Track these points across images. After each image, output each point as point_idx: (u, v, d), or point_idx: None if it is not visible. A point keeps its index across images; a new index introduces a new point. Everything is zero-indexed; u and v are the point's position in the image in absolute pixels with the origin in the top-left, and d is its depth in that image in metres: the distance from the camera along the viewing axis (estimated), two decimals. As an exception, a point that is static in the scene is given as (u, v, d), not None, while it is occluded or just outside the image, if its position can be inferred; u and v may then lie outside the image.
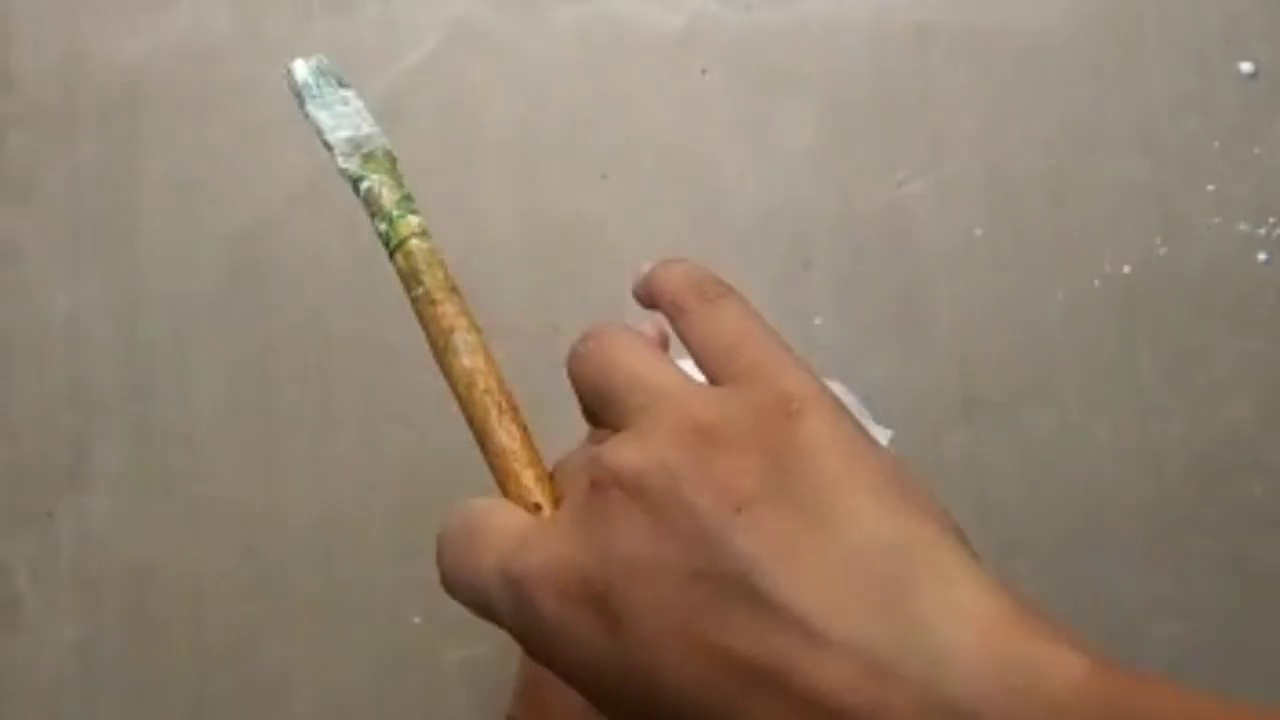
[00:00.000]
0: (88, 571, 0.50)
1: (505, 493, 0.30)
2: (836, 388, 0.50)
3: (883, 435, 0.49)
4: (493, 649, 0.52)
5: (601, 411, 0.29)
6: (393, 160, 0.41)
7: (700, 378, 0.30)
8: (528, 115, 0.54)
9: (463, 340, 0.34)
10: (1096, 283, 0.54)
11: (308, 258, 0.53)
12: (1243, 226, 0.54)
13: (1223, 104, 0.54)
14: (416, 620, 0.52)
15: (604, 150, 0.54)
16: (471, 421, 0.32)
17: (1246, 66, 0.54)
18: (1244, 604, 0.52)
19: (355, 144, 0.42)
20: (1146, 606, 0.52)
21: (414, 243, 0.37)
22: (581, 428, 0.32)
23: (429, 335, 0.35)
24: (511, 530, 0.28)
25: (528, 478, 0.30)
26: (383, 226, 0.38)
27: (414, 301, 0.36)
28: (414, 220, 0.38)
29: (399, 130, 0.54)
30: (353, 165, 0.41)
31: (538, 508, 0.29)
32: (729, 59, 0.55)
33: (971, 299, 0.54)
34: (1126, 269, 0.54)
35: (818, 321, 0.54)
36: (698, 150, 0.54)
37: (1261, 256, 0.54)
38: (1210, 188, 0.54)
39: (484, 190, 0.54)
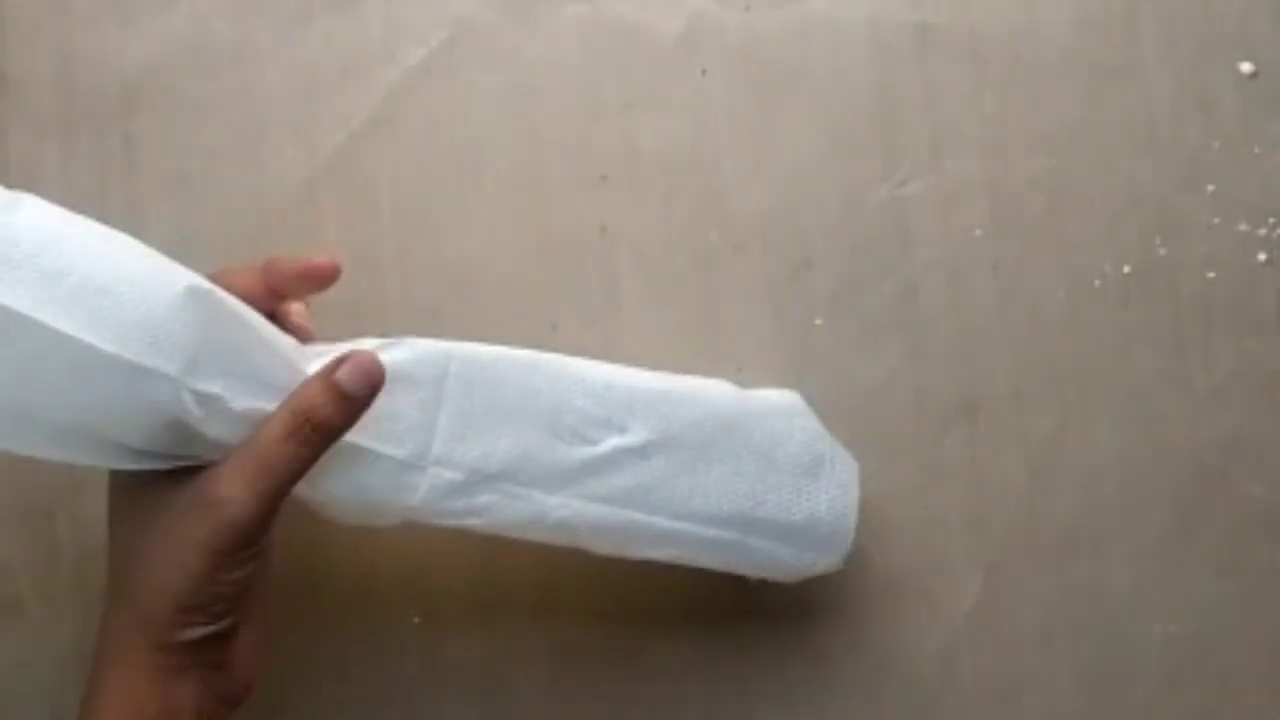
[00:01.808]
0: (88, 571, 0.50)
1: None
2: (794, 400, 0.50)
3: (849, 465, 0.49)
4: (492, 649, 0.52)
5: None
6: None
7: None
8: (527, 116, 0.54)
9: None
10: (1096, 283, 0.54)
11: (307, 258, 0.53)
12: (1243, 226, 0.54)
13: (1223, 104, 0.54)
14: (416, 620, 0.52)
15: (604, 151, 0.54)
16: None
17: (1246, 66, 0.54)
18: (1244, 604, 0.52)
19: None
20: (1146, 606, 0.52)
21: None
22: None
23: None
24: None
25: None
26: None
27: None
28: None
29: (398, 130, 0.54)
30: None
31: None
32: (729, 59, 0.55)
33: (971, 299, 0.54)
34: (1126, 269, 0.54)
35: (818, 321, 0.54)
36: (698, 151, 0.54)
37: (1261, 256, 0.54)
38: (1210, 188, 0.54)
39: (483, 191, 0.54)
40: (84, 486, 0.52)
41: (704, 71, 0.55)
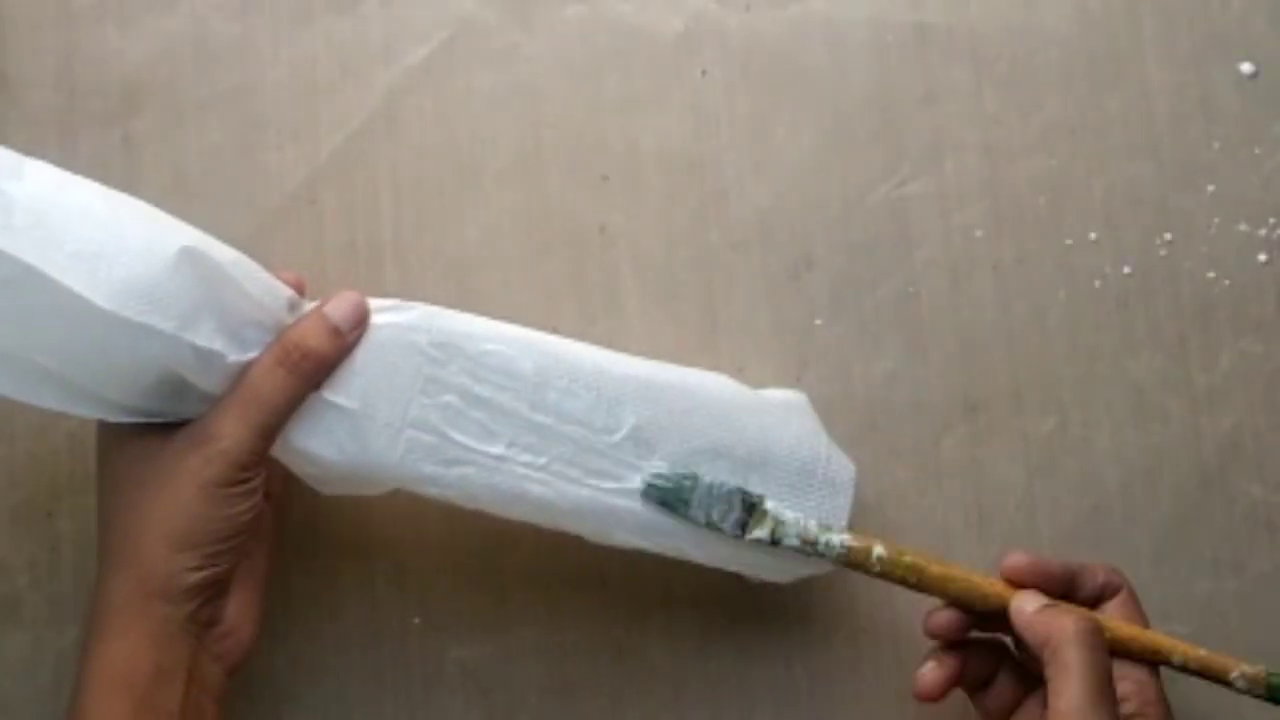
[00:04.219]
0: (88, 571, 0.50)
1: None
2: (798, 400, 0.50)
3: (845, 467, 0.49)
4: (493, 649, 0.52)
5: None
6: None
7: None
8: (527, 115, 0.54)
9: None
10: (1097, 283, 0.54)
11: (306, 258, 0.53)
12: (1243, 227, 0.54)
13: (1223, 104, 0.54)
14: (416, 620, 0.52)
15: (604, 151, 0.54)
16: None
17: (1246, 67, 0.54)
18: (1244, 604, 0.52)
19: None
20: (1146, 607, 0.52)
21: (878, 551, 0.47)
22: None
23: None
24: None
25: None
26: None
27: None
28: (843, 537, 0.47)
29: (398, 130, 0.54)
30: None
31: None
32: (729, 60, 0.55)
33: (971, 299, 0.54)
34: (1126, 269, 0.54)
35: (818, 322, 0.54)
36: (698, 151, 0.54)
37: (1261, 257, 0.54)
38: (1210, 188, 0.54)
39: (484, 191, 0.54)
40: (84, 486, 0.52)
41: (704, 71, 0.55)
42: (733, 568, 0.49)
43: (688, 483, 0.46)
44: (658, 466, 0.47)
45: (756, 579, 0.49)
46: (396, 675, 0.52)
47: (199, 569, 0.43)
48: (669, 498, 0.46)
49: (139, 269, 0.41)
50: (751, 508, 0.47)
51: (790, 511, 0.47)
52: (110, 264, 0.41)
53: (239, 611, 0.45)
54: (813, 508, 0.48)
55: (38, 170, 0.43)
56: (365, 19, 0.55)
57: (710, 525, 0.46)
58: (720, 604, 0.52)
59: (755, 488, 0.47)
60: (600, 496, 0.46)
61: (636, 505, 0.47)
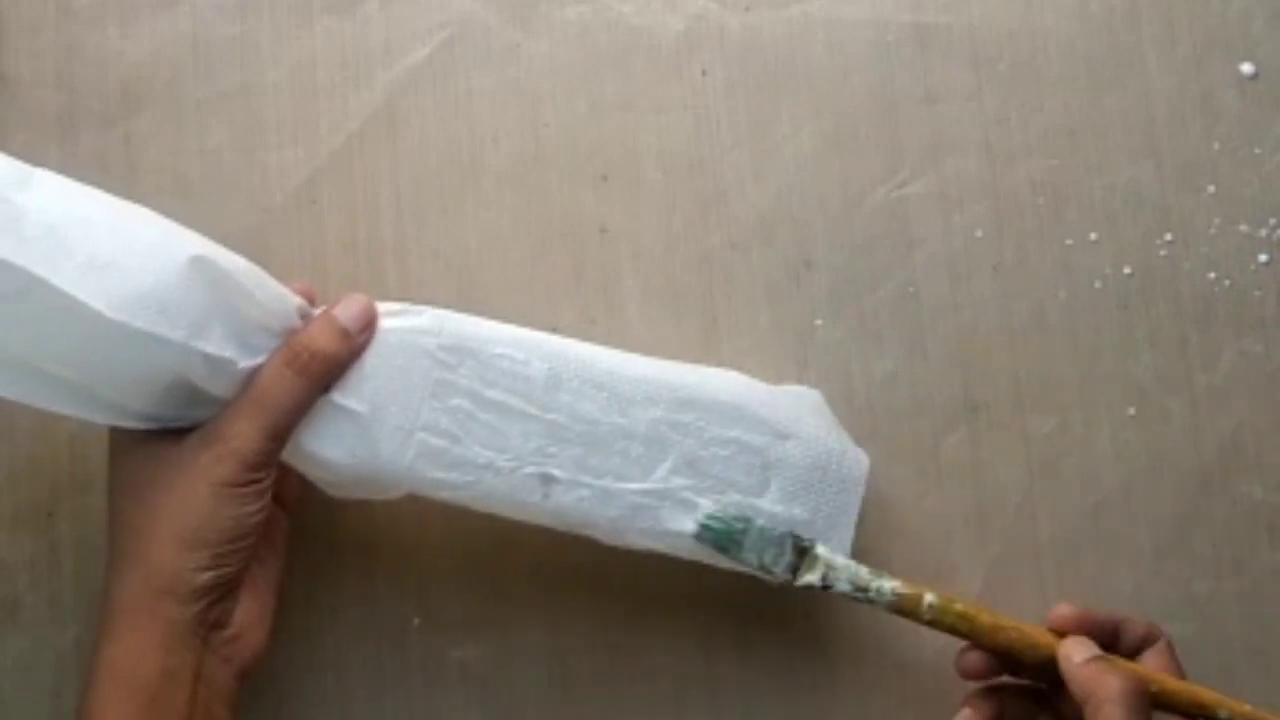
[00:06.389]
0: (88, 572, 0.50)
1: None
2: (812, 396, 0.50)
3: (858, 462, 0.49)
4: (492, 649, 0.52)
5: None
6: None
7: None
8: (527, 116, 0.54)
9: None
10: (1097, 284, 0.54)
11: (307, 258, 0.53)
12: (1243, 227, 0.54)
13: (1223, 104, 0.54)
14: (416, 621, 0.52)
15: (604, 151, 0.54)
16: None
17: (1246, 67, 0.54)
18: (1244, 604, 0.52)
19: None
20: (1146, 606, 0.52)
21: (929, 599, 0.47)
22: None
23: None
24: None
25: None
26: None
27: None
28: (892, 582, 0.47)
29: (398, 130, 0.54)
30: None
31: None
32: (729, 60, 0.55)
33: (971, 299, 0.54)
34: (1126, 269, 0.54)
35: (818, 322, 0.54)
36: (698, 151, 0.54)
37: (1262, 258, 0.54)
38: (1210, 188, 0.54)
39: (484, 191, 0.54)
40: (84, 486, 0.52)
41: (704, 71, 0.55)
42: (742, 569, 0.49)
43: (739, 525, 0.46)
44: (708, 507, 0.47)
45: (777, 582, 0.49)
46: (396, 675, 0.52)
47: (207, 569, 0.43)
48: (722, 540, 0.46)
49: (149, 279, 0.42)
50: (803, 552, 0.47)
51: (841, 558, 0.46)
52: (120, 274, 0.41)
53: (248, 615, 0.45)
54: (826, 503, 0.48)
55: (47, 180, 0.43)
56: (365, 19, 0.55)
57: (763, 568, 0.46)
58: (721, 603, 0.52)
59: (766, 486, 0.47)
60: (611, 497, 0.46)
61: (650, 502, 0.47)
